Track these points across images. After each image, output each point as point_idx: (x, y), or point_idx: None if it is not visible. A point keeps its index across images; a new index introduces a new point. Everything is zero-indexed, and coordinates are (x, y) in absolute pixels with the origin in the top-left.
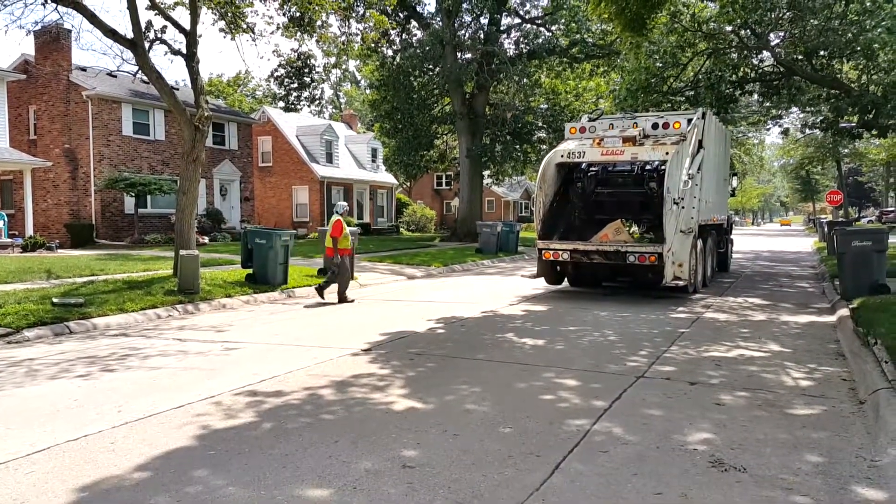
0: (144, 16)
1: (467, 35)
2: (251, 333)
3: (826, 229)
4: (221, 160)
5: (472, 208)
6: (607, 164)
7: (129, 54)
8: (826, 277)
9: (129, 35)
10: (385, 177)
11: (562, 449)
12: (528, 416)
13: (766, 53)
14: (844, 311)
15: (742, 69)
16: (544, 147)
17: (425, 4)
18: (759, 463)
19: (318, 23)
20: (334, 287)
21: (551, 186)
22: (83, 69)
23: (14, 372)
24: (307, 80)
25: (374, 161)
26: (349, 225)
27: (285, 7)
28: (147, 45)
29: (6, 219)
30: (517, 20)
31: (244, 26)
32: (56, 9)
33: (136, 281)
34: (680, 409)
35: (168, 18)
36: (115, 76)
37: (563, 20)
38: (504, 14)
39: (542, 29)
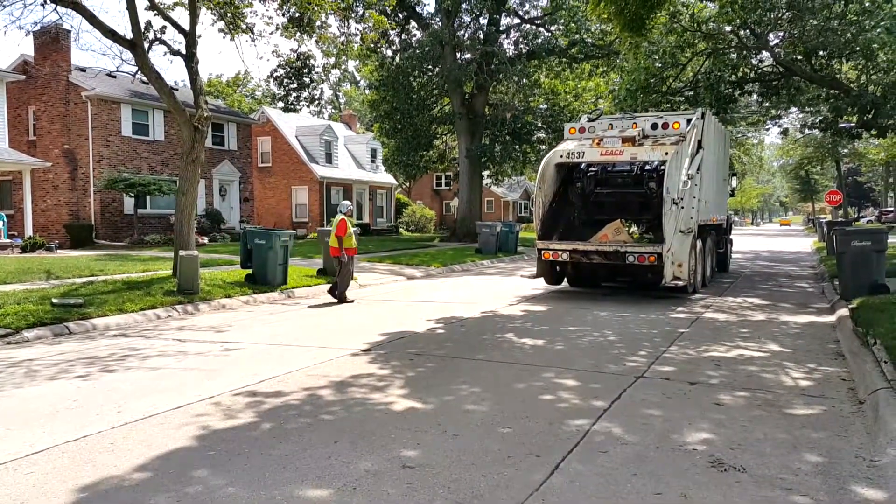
0: (144, 16)
1: (466, 35)
2: (251, 334)
3: (825, 229)
4: (221, 160)
5: (471, 208)
6: (607, 164)
7: (128, 55)
8: (825, 277)
9: (129, 35)
10: (384, 177)
11: (561, 449)
12: (528, 417)
13: (765, 53)
14: (844, 311)
15: (741, 69)
16: (543, 147)
17: (425, 5)
18: (758, 463)
19: (318, 23)
20: (342, 285)
21: (551, 187)
22: (82, 70)
23: (13, 372)
24: (306, 80)
25: (373, 161)
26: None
27: (284, 7)
28: (146, 45)
29: (5, 219)
30: (516, 20)
31: (243, 27)
32: (55, 9)
33: (135, 281)
34: (679, 409)
35: (167, 19)
36: (115, 77)
37: (562, 20)
38: (503, 14)
39: (541, 29)
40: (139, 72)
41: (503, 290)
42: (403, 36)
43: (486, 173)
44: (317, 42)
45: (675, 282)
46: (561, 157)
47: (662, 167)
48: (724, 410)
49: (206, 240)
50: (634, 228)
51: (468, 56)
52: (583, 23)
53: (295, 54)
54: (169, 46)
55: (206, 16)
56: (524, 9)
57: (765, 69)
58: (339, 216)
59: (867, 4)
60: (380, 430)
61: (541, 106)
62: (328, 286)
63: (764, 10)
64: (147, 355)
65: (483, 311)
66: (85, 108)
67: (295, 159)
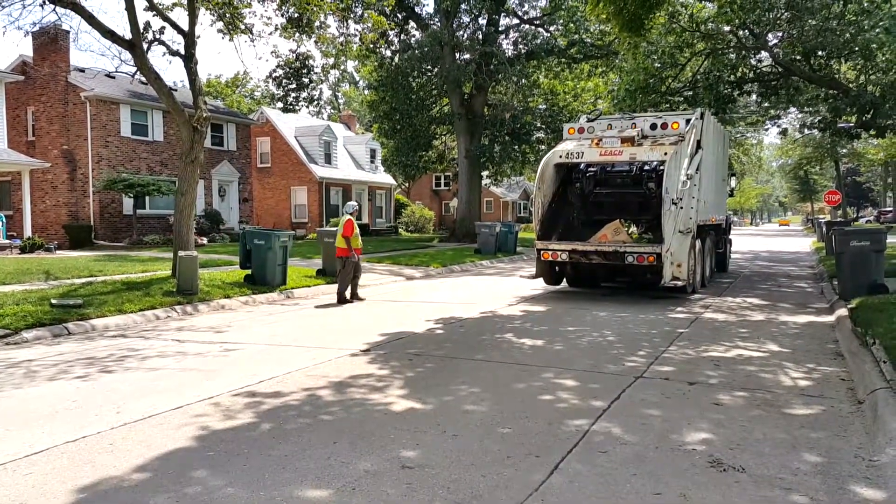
0: (143, 17)
1: (466, 36)
2: (250, 334)
3: (824, 229)
4: (220, 161)
5: (470, 209)
6: (606, 164)
7: (127, 55)
8: (824, 277)
9: (128, 36)
10: (384, 177)
11: (561, 449)
12: (527, 417)
13: (764, 54)
14: (843, 311)
15: (740, 69)
16: (543, 147)
17: (424, 5)
18: (757, 463)
19: (317, 23)
20: (357, 285)
21: (550, 187)
22: (81, 70)
23: (13, 373)
24: (305, 80)
25: (372, 162)
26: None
27: (283, 8)
28: (145, 46)
29: (4, 220)
30: (515, 21)
31: (242, 27)
32: (54, 10)
33: (134, 282)
34: (679, 409)
35: (166, 19)
36: (114, 77)
37: (561, 21)
38: (502, 15)
39: (540, 29)
40: (138, 72)
41: (502, 290)
42: (402, 36)
43: (485, 174)
44: (316, 42)
45: (675, 282)
46: (560, 157)
47: (661, 167)
48: (723, 410)
49: (205, 240)
50: (633, 228)
51: (467, 56)
52: (582, 23)
53: (294, 55)
54: (168, 47)
55: (204, 16)
56: (523, 9)
57: (764, 69)
58: (346, 216)
59: (866, 4)
60: (379, 430)
61: (540, 106)
62: (349, 293)
63: (763, 11)
64: (146, 356)
65: (482, 311)
66: (84, 108)
67: (294, 160)
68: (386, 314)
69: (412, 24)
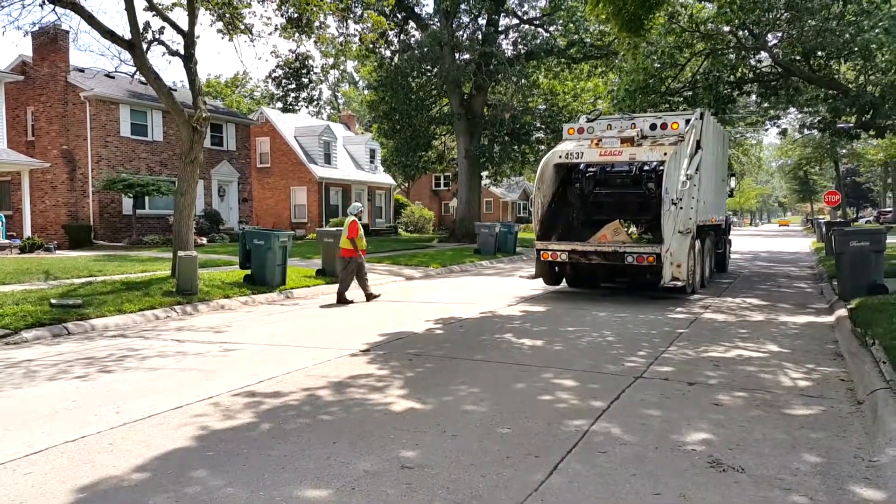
0: (142, 17)
1: (465, 36)
2: (249, 334)
3: (824, 230)
4: (219, 161)
5: (470, 209)
6: (605, 164)
7: (126, 55)
8: (824, 278)
9: (127, 36)
10: (383, 177)
11: (560, 449)
12: (527, 417)
13: (763, 54)
14: (842, 312)
15: (740, 70)
16: (542, 148)
17: (423, 5)
18: (757, 463)
19: (316, 24)
20: (367, 284)
21: (549, 187)
22: (81, 70)
23: (12, 373)
24: (305, 80)
25: (372, 162)
26: (340, 225)
27: (283, 8)
28: (145, 46)
29: (4, 220)
30: (515, 21)
31: (242, 27)
32: (54, 10)
33: (134, 282)
34: (678, 409)
35: (166, 19)
36: (113, 77)
37: (560, 21)
38: (502, 15)
39: (539, 30)
40: (138, 72)
41: (502, 290)
42: (402, 36)
43: (484, 174)
44: (315, 42)
45: (674, 282)
46: (560, 157)
47: (661, 167)
48: (722, 411)
49: (204, 240)
50: (633, 229)
51: (467, 56)
52: (581, 23)
53: (293, 55)
54: (167, 47)
55: (204, 16)
56: (523, 9)
57: (763, 70)
58: (350, 217)
59: (865, 5)
60: (379, 430)
61: (539, 106)
62: (364, 294)
63: (762, 11)
64: (146, 356)
65: (482, 311)
66: (83, 108)
67: (294, 160)
68: (386, 314)
69: (412, 24)
